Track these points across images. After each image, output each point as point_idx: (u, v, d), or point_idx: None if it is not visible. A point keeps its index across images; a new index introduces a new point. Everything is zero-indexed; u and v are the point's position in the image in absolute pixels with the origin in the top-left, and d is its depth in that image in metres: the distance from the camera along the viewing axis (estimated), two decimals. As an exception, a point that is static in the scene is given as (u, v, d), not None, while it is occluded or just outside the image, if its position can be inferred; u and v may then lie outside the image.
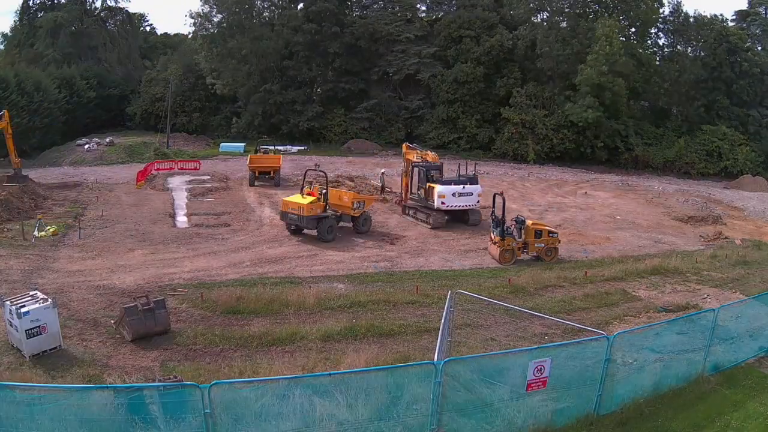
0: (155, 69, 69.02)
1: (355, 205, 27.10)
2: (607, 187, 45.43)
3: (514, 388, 11.07)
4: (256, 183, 38.76)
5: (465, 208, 29.21)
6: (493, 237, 24.39)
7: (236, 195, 36.20)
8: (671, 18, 58.14)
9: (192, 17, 61.81)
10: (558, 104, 54.38)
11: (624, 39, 53.52)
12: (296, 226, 26.11)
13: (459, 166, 33.59)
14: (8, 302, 14.13)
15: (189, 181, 40.01)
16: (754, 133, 55.73)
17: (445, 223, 29.14)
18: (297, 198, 25.92)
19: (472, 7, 58.71)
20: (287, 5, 63.12)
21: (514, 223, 24.43)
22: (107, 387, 10.67)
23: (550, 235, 24.53)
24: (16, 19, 68.39)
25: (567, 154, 54.60)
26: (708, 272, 23.43)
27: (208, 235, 26.54)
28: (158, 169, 42.61)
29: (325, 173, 28.21)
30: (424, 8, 67.42)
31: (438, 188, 28.44)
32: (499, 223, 23.75)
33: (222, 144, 56.54)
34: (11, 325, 14.01)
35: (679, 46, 58.98)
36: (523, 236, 24.14)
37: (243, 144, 55.65)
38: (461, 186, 28.82)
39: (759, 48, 60.31)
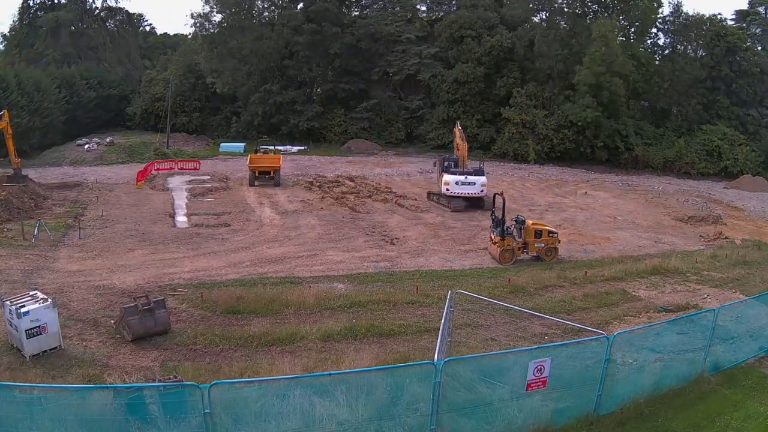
0: (155, 69, 69.13)
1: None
2: (607, 187, 45.43)
3: (514, 388, 11.07)
4: (256, 183, 38.78)
5: (466, 195, 33.39)
6: (493, 237, 24.39)
7: (236, 195, 36.22)
8: (671, 18, 58.18)
9: (192, 17, 62.09)
10: (558, 104, 54.38)
11: (623, 39, 53.59)
12: None
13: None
14: (8, 302, 14.12)
15: (189, 181, 40.05)
16: (754, 133, 55.67)
17: (464, 209, 33.06)
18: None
19: (474, 7, 58.68)
20: (287, 5, 63.06)
21: (514, 223, 24.44)
22: (107, 387, 10.67)
23: (550, 235, 24.51)
24: (16, 19, 68.62)
25: (567, 154, 54.54)
26: (708, 272, 23.40)
27: (208, 235, 26.54)
28: (158, 169, 42.64)
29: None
30: (424, 8, 67.58)
31: (444, 177, 33.56)
32: (499, 223, 23.74)
33: (222, 144, 56.62)
34: (11, 325, 14.01)
35: (678, 46, 58.94)
36: (523, 236, 24.14)
37: (243, 144, 55.72)
38: (464, 176, 33.39)
39: (759, 47, 60.30)
